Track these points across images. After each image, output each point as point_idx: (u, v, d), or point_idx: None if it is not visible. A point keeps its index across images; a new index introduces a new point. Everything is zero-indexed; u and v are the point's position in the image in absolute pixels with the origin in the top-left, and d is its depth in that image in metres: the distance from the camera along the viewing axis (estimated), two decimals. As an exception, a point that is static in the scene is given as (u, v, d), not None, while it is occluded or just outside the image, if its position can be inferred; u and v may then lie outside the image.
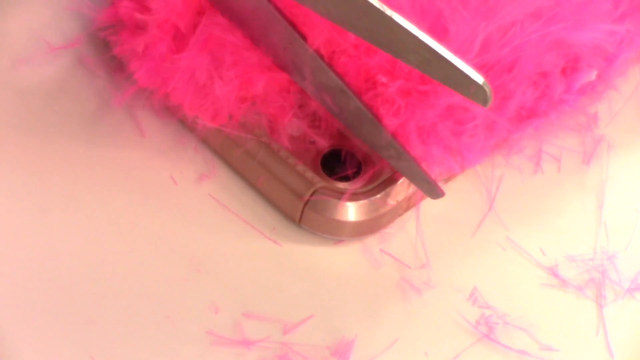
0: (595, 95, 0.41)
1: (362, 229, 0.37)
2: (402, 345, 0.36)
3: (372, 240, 0.38)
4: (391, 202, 0.37)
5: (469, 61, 0.36)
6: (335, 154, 0.38)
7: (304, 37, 0.35)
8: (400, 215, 0.38)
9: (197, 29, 0.37)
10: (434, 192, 0.37)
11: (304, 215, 0.37)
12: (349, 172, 0.38)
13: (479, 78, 0.31)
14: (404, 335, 0.36)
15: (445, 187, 0.38)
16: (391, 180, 0.37)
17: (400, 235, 0.38)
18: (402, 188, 0.37)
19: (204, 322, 0.35)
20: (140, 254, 0.37)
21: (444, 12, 0.36)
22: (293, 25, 0.35)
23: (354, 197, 0.37)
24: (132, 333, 0.35)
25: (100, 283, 0.36)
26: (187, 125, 0.39)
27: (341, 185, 0.37)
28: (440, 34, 0.37)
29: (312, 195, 0.37)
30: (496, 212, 0.39)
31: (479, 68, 0.37)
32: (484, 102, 0.32)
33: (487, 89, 0.32)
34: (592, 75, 0.41)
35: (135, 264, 0.36)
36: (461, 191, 0.39)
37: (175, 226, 0.38)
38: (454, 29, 0.36)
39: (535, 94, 0.39)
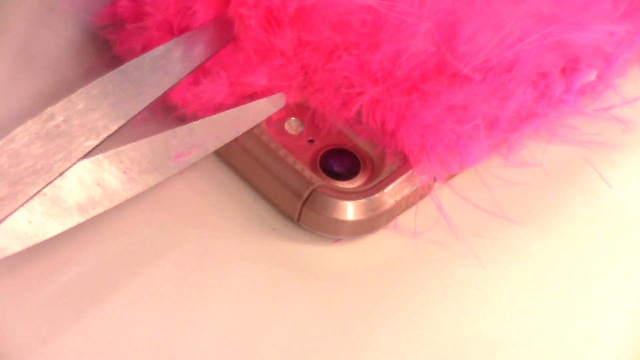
0: (595, 95, 0.42)
1: (361, 228, 0.37)
2: (402, 345, 0.36)
3: (370, 240, 0.38)
4: (390, 201, 0.37)
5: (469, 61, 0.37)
6: (334, 153, 0.38)
7: None
8: (399, 214, 0.38)
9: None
10: None
11: (303, 214, 0.37)
12: (348, 171, 0.38)
13: None
14: (404, 335, 0.36)
15: (444, 186, 0.38)
16: (390, 180, 0.37)
17: (399, 235, 0.38)
18: (401, 187, 0.37)
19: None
20: (137, 254, 0.37)
21: (459, 10, 0.37)
22: None
23: (353, 196, 0.37)
24: (129, 335, 0.35)
25: (96, 281, 0.36)
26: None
27: (340, 184, 0.37)
28: (448, 32, 0.37)
29: (310, 194, 0.37)
30: (496, 213, 0.39)
31: (479, 68, 0.37)
32: None
33: None
34: (592, 76, 0.41)
35: (133, 264, 0.36)
36: (460, 191, 0.39)
37: (173, 226, 0.38)
38: (460, 27, 0.37)
39: (534, 94, 0.39)
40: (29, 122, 0.32)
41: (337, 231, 0.37)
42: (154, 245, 0.37)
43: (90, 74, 0.41)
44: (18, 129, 0.32)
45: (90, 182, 0.33)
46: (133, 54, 0.39)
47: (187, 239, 0.37)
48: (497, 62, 0.37)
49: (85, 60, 0.41)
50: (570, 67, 0.40)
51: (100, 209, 0.33)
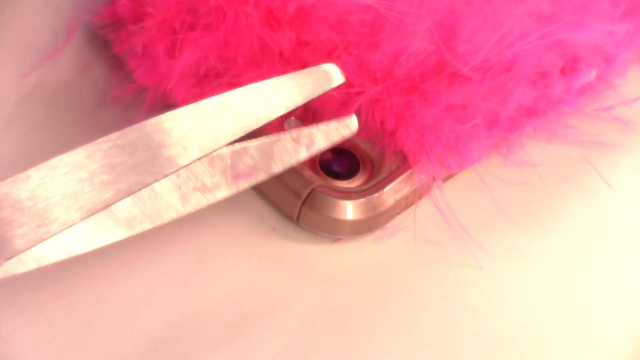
0: (595, 95, 0.42)
1: (360, 228, 0.37)
2: (402, 344, 0.36)
3: (370, 239, 0.38)
4: (389, 200, 0.37)
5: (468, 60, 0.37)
6: (334, 153, 0.38)
7: None
8: (398, 214, 0.38)
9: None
10: None
11: (302, 214, 0.37)
12: (347, 170, 0.38)
13: None
14: (403, 335, 0.36)
15: (443, 186, 0.38)
16: (389, 179, 0.37)
17: (399, 235, 0.38)
18: (401, 187, 0.37)
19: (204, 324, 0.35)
20: (137, 254, 0.37)
21: (458, 10, 0.37)
22: None
23: (352, 195, 0.37)
24: (128, 334, 0.35)
25: (98, 283, 0.36)
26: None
27: (339, 183, 0.37)
28: (448, 31, 0.37)
29: (310, 193, 0.37)
30: (495, 213, 0.39)
31: (478, 67, 0.37)
32: None
33: None
34: (592, 76, 0.41)
35: (132, 264, 0.36)
36: (460, 190, 0.39)
37: (172, 226, 0.38)
38: (459, 27, 0.37)
39: (534, 94, 0.39)
40: (141, 125, 0.29)
41: (336, 231, 0.37)
42: (153, 245, 0.37)
43: (89, 73, 0.41)
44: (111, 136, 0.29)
45: (145, 194, 0.30)
46: (133, 54, 0.39)
47: (186, 239, 0.37)
48: (496, 62, 0.37)
49: (84, 59, 0.41)
50: (570, 67, 0.40)
51: (148, 226, 0.30)
